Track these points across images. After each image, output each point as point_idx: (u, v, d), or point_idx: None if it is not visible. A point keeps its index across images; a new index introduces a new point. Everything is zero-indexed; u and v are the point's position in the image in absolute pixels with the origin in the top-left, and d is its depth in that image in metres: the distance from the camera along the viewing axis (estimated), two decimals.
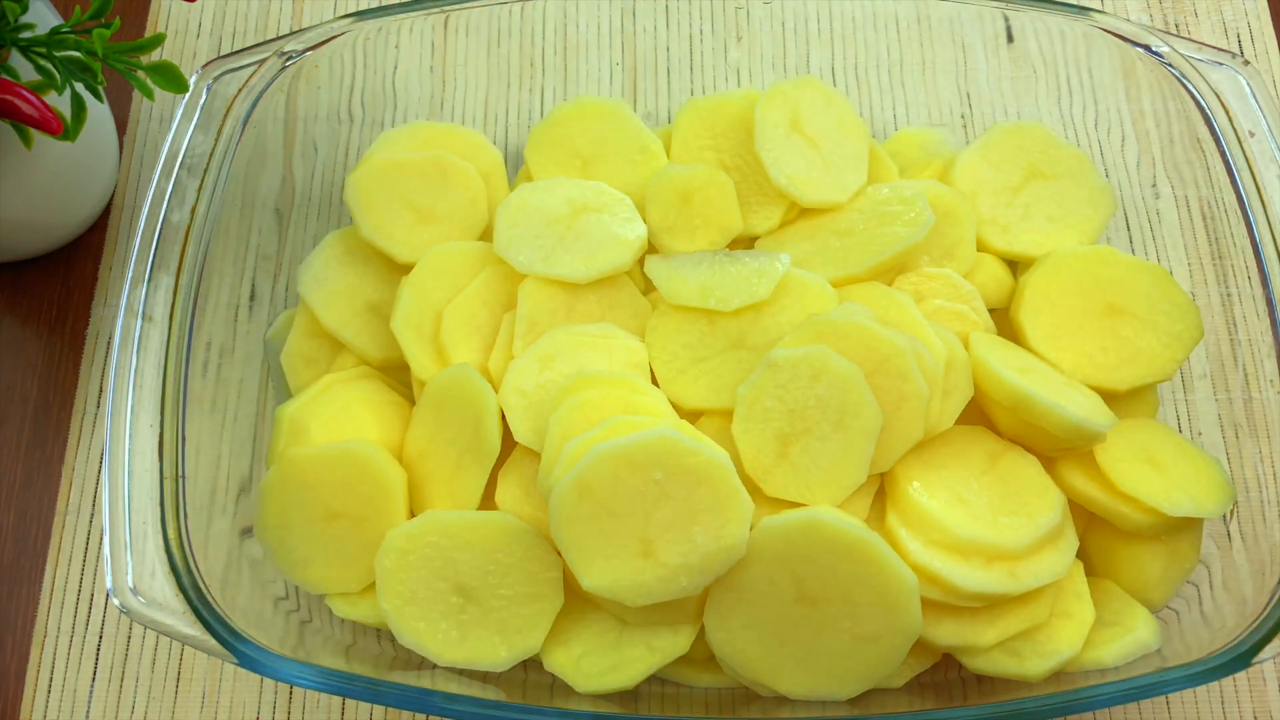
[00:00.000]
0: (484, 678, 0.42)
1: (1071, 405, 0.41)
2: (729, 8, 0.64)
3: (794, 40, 0.62)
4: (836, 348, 0.41)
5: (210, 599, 0.38)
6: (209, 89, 0.47)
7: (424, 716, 0.49)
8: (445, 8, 0.52)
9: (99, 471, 0.53)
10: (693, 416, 0.45)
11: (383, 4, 0.52)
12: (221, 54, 0.48)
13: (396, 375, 0.50)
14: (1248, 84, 0.46)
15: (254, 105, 0.48)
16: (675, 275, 0.45)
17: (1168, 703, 0.50)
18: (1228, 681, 0.50)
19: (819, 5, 0.63)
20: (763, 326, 0.45)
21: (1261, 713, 0.49)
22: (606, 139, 0.53)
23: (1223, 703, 0.50)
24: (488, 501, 0.44)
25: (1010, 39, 0.61)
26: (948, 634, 0.40)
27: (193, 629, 0.37)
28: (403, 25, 0.54)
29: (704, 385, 0.45)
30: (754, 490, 0.41)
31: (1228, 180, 0.46)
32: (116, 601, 0.37)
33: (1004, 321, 0.49)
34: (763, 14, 0.63)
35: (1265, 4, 0.67)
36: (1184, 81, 0.48)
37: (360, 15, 0.50)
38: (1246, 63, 0.47)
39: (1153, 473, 0.43)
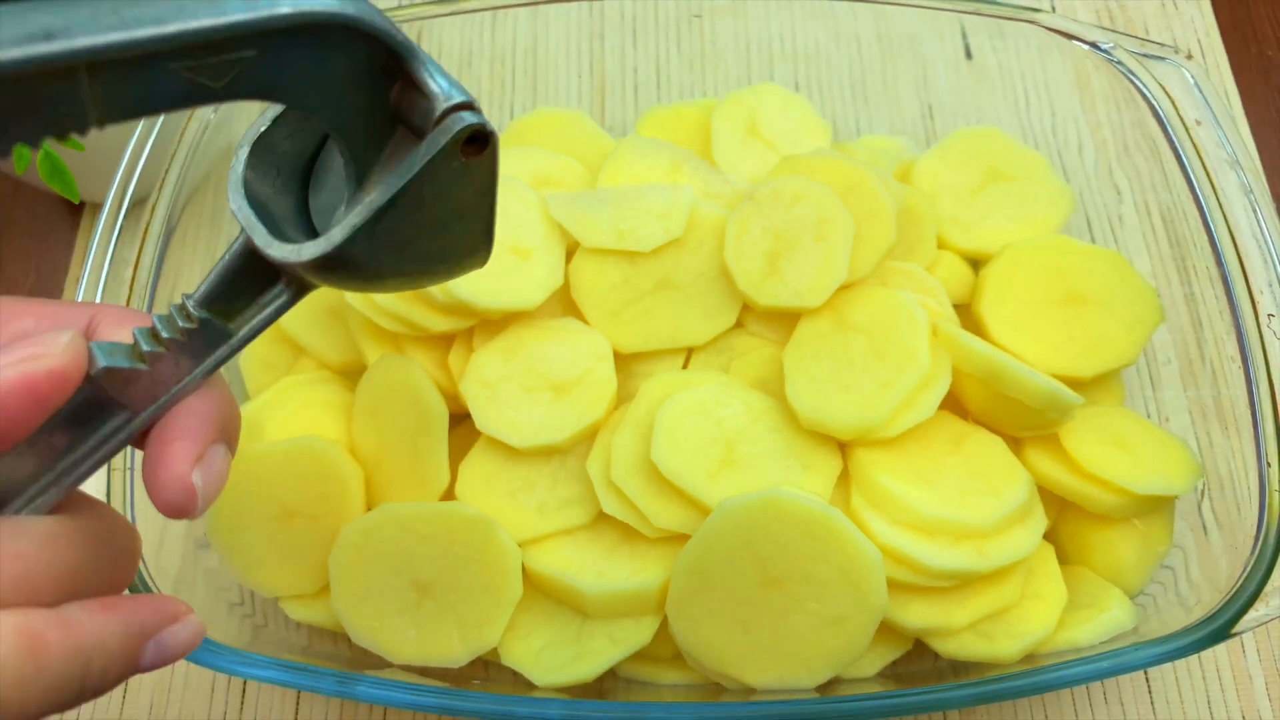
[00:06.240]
0: (442, 675, 0.40)
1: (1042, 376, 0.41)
2: (695, 29, 0.66)
3: (758, 59, 0.64)
4: (810, 178, 0.45)
5: (150, 581, 0.37)
6: None
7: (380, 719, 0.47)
8: (418, 19, 0.53)
9: None
10: (635, 360, 0.45)
11: None
12: None
13: (355, 379, 0.49)
14: (1191, 76, 0.47)
15: (214, 111, 0.48)
16: (585, 218, 0.45)
17: (1152, 703, 0.48)
18: (1214, 680, 0.49)
19: (782, 26, 0.65)
20: (685, 265, 0.45)
21: (1249, 711, 0.48)
22: (566, 148, 0.53)
23: (1209, 703, 0.48)
24: (451, 491, 0.43)
25: (969, 55, 0.63)
26: (918, 616, 0.39)
27: None
28: None
29: (640, 329, 0.44)
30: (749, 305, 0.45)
31: (1178, 167, 0.47)
32: None
33: (967, 317, 0.49)
34: (728, 34, 0.65)
35: (1214, 23, 0.69)
36: (1132, 77, 0.49)
37: None
38: (1189, 57, 0.48)
39: (1120, 454, 0.42)
